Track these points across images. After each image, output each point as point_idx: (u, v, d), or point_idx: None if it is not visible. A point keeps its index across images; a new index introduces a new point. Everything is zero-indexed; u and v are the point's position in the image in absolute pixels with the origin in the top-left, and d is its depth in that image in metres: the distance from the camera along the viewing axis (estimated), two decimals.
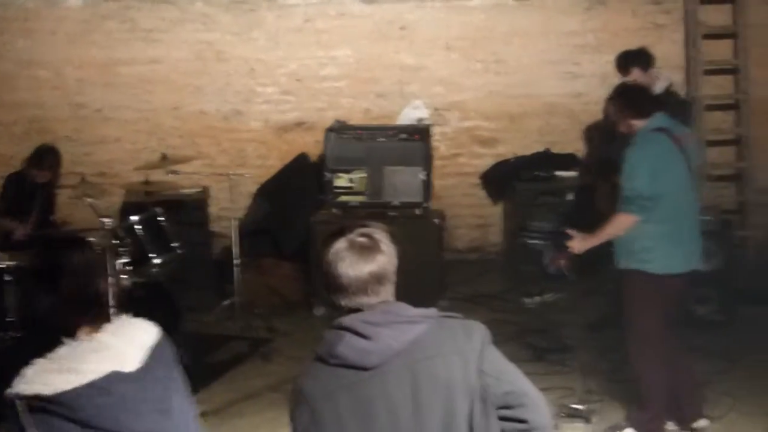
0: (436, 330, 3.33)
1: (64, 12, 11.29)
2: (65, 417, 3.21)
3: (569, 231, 6.79)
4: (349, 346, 3.26)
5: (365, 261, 3.30)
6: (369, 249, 3.31)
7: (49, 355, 3.34)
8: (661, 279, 6.62)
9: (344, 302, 3.34)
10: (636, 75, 8.44)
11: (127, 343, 3.41)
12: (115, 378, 3.28)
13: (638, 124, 6.71)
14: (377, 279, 3.31)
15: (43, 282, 3.47)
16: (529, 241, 7.26)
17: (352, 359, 3.25)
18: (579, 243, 6.75)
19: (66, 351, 3.35)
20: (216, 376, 8.20)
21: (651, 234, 6.56)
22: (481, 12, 11.26)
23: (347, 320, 3.31)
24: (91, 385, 3.24)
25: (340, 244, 3.32)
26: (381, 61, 11.32)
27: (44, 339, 3.43)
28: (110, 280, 3.74)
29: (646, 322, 6.70)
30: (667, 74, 8.73)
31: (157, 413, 3.37)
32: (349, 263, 3.29)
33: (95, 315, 3.46)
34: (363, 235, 3.34)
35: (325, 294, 3.42)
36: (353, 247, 3.31)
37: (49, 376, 3.23)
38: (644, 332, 6.71)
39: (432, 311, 3.39)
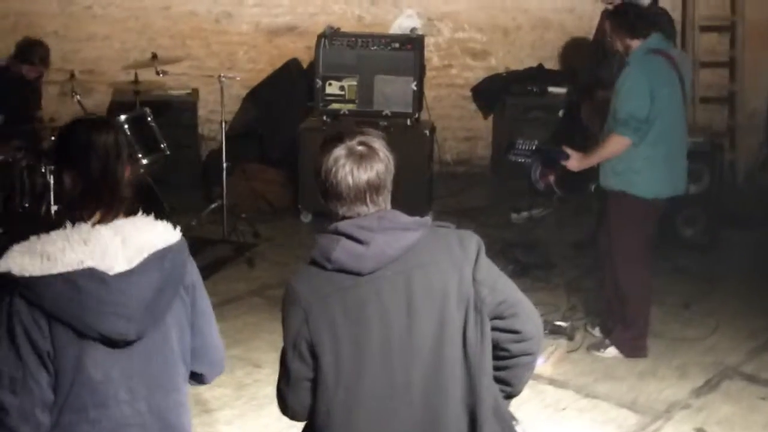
0: (430, 238, 3.32)
1: None
2: (29, 301, 3.11)
3: (565, 149, 6.76)
4: (344, 251, 3.24)
5: (364, 169, 3.26)
6: (368, 157, 3.27)
7: (37, 237, 3.21)
8: (647, 202, 6.65)
9: (341, 210, 3.30)
10: None
11: (124, 242, 3.23)
12: (89, 275, 3.13)
13: (634, 44, 6.66)
14: (375, 187, 3.28)
15: (67, 160, 3.35)
16: (518, 159, 7.23)
17: (347, 264, 3.24)
18: (575, 162, 6.74)
19: (56, 235, 3.21)
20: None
21: (641, 156, 6.56)
22: None
23: (343, 225, 3.28)
24: (61, 276, 3.11)
25: (339, 152, 3.27)
26: None
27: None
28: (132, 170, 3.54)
29: (633, 242, 6.75)
30: None
31: (136, 321, 3.19)
32: (348, 171, 3.25)
33: (109, 203, 3.30)
34: (361, 142, 3.29)
35: (321, 201, 3.37)
36: (352, 154, 3.26)
37: (24, 258, 3.12)
38: (631, 253, 6.75)
39: (426, 220, 3.37)
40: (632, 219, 6.69)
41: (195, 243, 8.78)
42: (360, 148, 3.29)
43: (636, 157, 6.54)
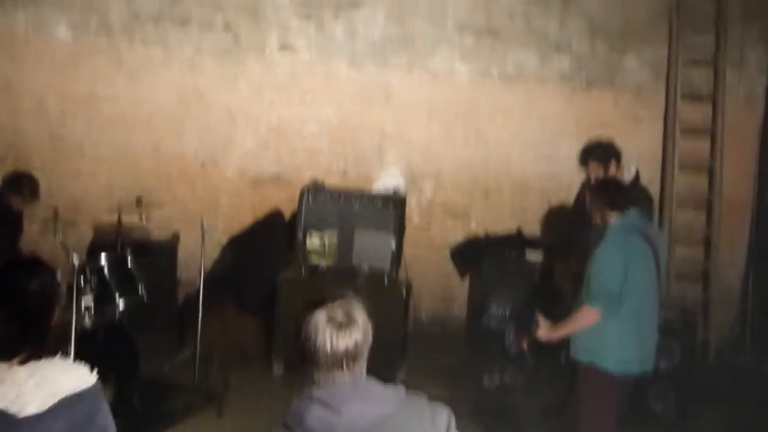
0: (403, 409, 3.36)
1: (52, 42, 11.29)
2: None
3: (538, 317, 6.81)
4: (316, 418, 3.27)
5: (342, 337, 3.31)
6: (347, 325, 3.33)
7: None
8: (615, 376, 6.65)
9: (317, 375, 3.34)
10: (593, 168, 8.45)
11: (38, 385, 3.24)
12: (0, 417, 3.16)
13: (612, 218, 6.77)
14: (352, 356, 3.33)
15: None
16: (491, 325, 7.33)
17: (318, 431, 3.26)
18: (545, 332, 6.78)
19: None
20: (168, 425, 8.13)
21: (611, 331, 6.58)
22: (467, 85, 11.36)
23: (317, 392, 3.32)
24: None
25: (319, 318, 3.33)
26: (363, 124, 11.37)
27: None
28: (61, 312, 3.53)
29: (600, 416, 6.73)
30: (634, 166, 8.78)
31: None
32: (327, 338, 3.30)
33: (34, 348, 3.33)
34: (342, 309, 3.35)
35: (298, 363, 3.41)
36: (332, 321, 3.32)
37: None
38: (598, 426, 6.73)
39: (400, 390, 3.42)
40: (601, 392, 6.68)
41: (166, 387, 8.80)
42: (340, 315, 3.34)
43: (606, 332, 6.58)
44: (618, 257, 6.56)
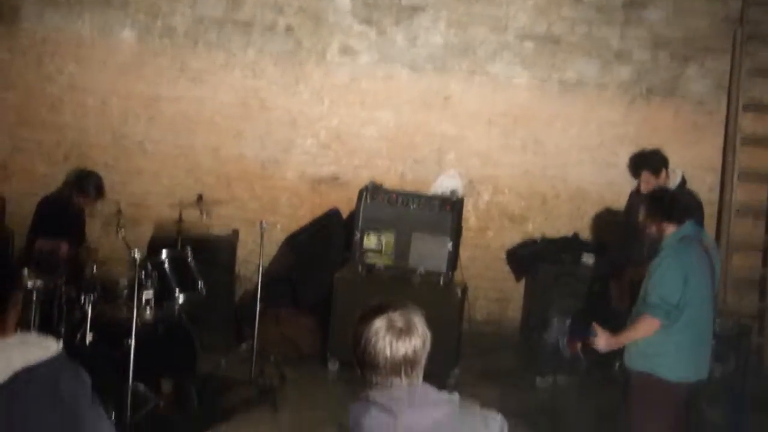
0: (456, 416, 3.40)
1: (117, 44, 11.51)
2: None
3: (594, 326, 6.80)
4: (374, 420, 3.33)
5: (402, 343, 3.37)
6: (406, 332, 3.39)
7: None
8: (671, 384, 6.64)
9: (375, 379, 3.41)
10: (645, 177, 8.46)
11: None
12: None
13: (669, 229, 6.75)
14: (411, 362, 3.38)
15: None
16: (552, 341, 7.43)
17: None
18: (603, 342, 6.75)
19: None
20: (224, 419, 8.23)
21: (670, 340, 6.55)
22: (527, 91, 11.41)
23: (375, 395, 3.38)
24: None
25: (379, 323, 3.39)
26: (422, 127, 11.46)
27: None
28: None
29: (654, 427, 6.71)
30: (679, 171, 8.75)
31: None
32: (387, 343, 3.36)
33: None
34: (402, 316, 3.42)
35: (357, 370, 3.49)
36: (392, 328, 3.38)
37: None
38: None
39: (455, 397, 3.46)
40: (656, 401, 6.65)
41: (223, 382, 8.93)
42: (400, 322, 3.41)
43: (665, 341, 6.54)
44: (677, 268, 6.54)
